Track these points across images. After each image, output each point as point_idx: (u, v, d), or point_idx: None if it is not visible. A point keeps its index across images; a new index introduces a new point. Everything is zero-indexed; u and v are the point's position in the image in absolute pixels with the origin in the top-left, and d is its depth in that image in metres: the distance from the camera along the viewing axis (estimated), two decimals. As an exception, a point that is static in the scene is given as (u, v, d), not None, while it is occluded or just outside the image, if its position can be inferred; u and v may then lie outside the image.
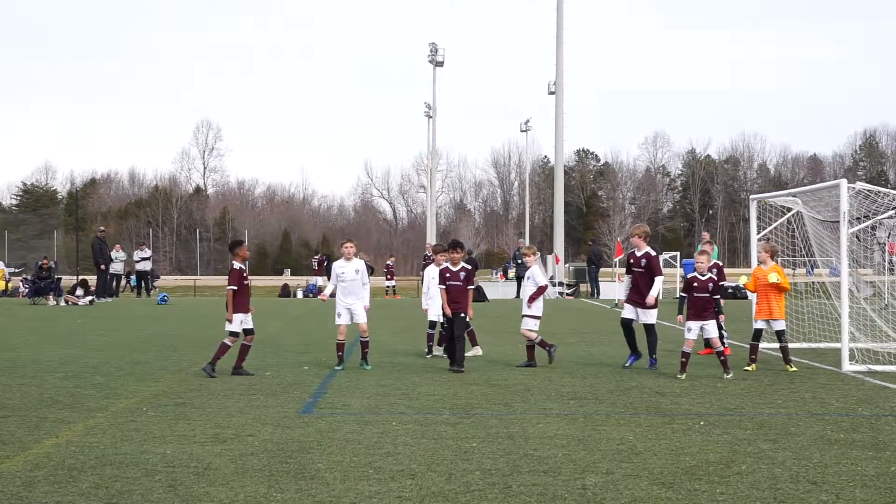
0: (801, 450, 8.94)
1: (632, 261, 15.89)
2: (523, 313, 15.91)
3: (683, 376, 14.23)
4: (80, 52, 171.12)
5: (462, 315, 15.24)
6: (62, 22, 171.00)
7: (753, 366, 15.18)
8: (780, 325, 15.36)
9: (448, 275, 15.42)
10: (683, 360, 14.46)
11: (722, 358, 14.44)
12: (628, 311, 15.83)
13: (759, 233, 19.57)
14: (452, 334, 15.26)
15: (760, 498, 7.14)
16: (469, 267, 15.46)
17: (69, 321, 27.74)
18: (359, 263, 15.74)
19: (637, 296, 15.68)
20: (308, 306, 38.05)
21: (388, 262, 51.18)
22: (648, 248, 15.75)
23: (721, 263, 17.09)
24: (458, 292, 15.29)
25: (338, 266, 15.71)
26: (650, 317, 15.66)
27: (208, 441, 9.25)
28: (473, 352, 17.12)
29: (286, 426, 10.08)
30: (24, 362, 16.09)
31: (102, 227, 48.25)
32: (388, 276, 49.39)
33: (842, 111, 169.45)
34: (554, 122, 59.14)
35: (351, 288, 15.58)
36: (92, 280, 41.30)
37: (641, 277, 15.67)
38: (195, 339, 20.79)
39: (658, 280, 15.67)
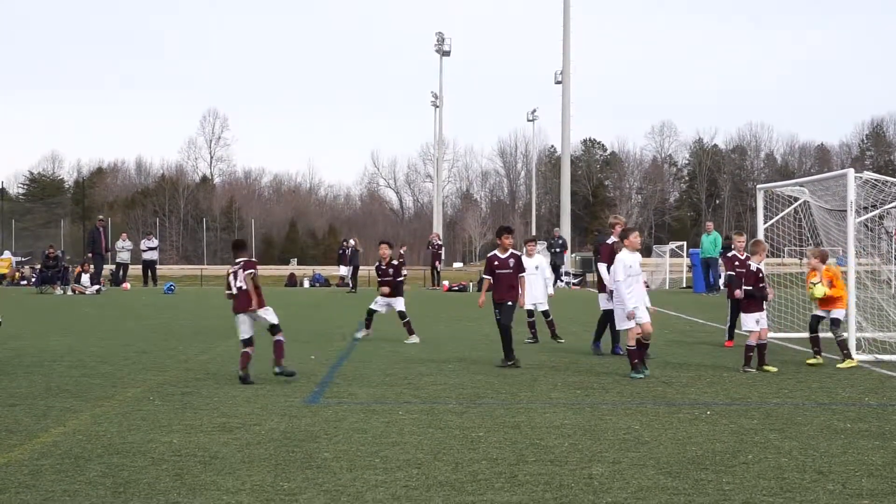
0: (807, 439, 8.94)
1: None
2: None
3: (752, 369, 13.81)
4: (87, 41, 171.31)
5: (511, 304, 14.47)
6: (69, 11, 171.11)
7: (819, 357, 14.69)
8: (839, 314, 14.88)
9: (496, 262, 14.66)
10: (750, 353, 13.98)
11: (750, 354, 13.97)
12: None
13: (765, 222, 19.53)
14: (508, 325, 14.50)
15: (766, 487, 7.14)
16: (518, 253, 14.99)
17: (76, 310, 27.79)
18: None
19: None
20: (315, 296, 38.07)
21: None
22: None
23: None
24: (510, 280, 14.53)
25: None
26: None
27: (215, 430, 9.27)
28: (412, 340, 17.66)
29: (293, 416, 10.09)
30: (31, 351, 16.12)
31: (101, 217, 48.37)
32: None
33: (849, 100, 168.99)
34: (560, 111, 59.05)
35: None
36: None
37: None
38: (202, 329, 20.82)
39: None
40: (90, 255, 42.47)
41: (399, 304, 18.11)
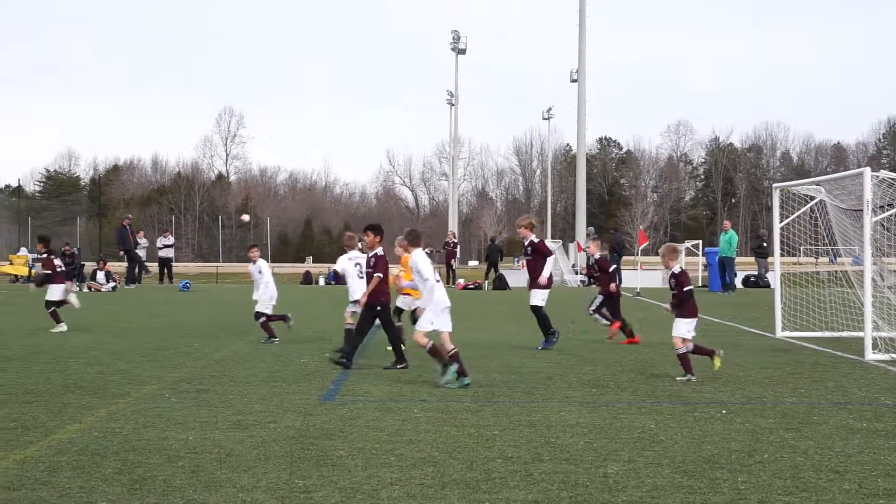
0: (823, 439, 8.90)
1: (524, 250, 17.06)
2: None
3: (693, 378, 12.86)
4: (103, 39, 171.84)
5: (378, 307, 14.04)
6: (85, 8, 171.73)
7: None
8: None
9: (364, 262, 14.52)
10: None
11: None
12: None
13: (781, 221, 19.48)
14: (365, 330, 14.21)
15: (782, 487, 7.12)
16: (381, 253, 14.16)
17: (92, 307, 27.87)
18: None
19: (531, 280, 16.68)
20: (330, 294, 38.09)
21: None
22: (533, 237, 16.72)
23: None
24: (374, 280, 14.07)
25: None
26: (534, 298, 16.54)
27: (230, 427, 9.29)
28: (59, 328, 19.45)
29: (308, 413, 10.11)
30: (47, 348, 16.20)
31: (129, 215, 48.52)
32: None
33: (866, 99, 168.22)
34: (576, 109, 59.00)
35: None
36: (112, 266, 41.68)
37: (530, 263, 16.72)
38: (217, 327, 20.87)
39: (548, 261, 16.67)
40: (122, 253, 42.66)
41: (50, 291, 20.17)
